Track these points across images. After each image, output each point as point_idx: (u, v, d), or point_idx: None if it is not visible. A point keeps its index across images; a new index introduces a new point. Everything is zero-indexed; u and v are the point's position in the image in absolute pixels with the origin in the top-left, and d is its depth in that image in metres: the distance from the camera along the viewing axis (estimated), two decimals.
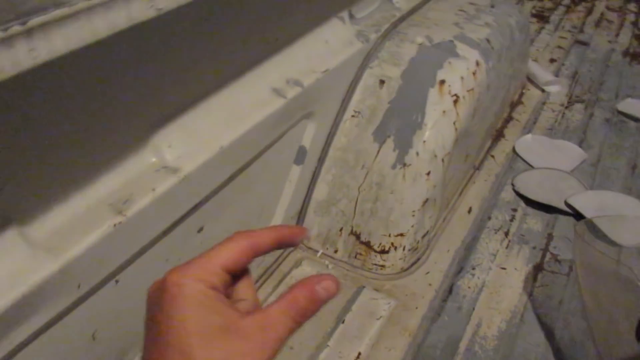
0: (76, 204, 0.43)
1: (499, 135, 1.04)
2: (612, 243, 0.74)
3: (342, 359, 0.63)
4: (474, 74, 0.78)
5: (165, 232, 0.51)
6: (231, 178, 0.59)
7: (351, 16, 0.77)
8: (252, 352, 0.26)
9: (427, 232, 0.78)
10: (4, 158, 0.36)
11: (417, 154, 0.73)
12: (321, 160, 0.76)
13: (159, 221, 0.49)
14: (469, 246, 0.80)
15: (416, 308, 0.70)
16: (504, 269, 0.77)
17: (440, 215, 0.82)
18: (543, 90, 1.20)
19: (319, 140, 0.74)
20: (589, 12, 1.59)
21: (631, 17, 1.58)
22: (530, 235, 0.83)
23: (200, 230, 0.57)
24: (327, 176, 0.76)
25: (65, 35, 0.29)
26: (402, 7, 0.86)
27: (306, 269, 0.74)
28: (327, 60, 0.70)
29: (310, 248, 0.77)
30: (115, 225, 0.44)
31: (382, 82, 0.76)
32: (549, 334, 0.68)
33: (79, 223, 0.43)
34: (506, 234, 0.83)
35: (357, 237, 0.75)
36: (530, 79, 1.22)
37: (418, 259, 0.77)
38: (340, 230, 0.76)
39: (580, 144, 1.03)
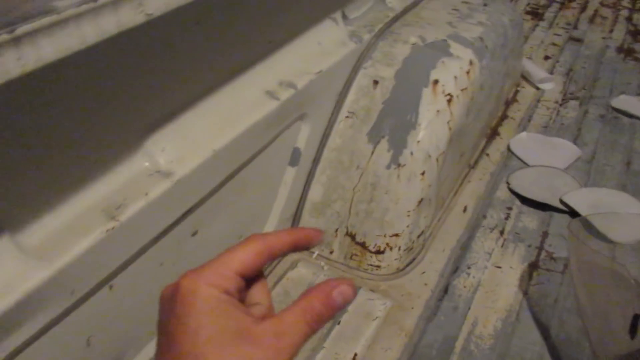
0: (69, 210, 0.43)
1: (493, 133, 1.05)
2: (607, 240, 0.74)
3: None
4: (467, 73, 0.79)
5: (159, 237, 0.51)
6: (225, 181, 0.59)
7: (344, 17, 0.77)
8: (266, 359, 0.26)
9: (423, 232, 0.78)
10: None
11: (412, 154, 0.73)
12: (316, 161, 0.76)
13: (153, 226, 0.49)
14: (465, 245, 0.80)
15: (412, 308, 0.70)
16: (499, 267, 0.77)
17: (436, 214, 0.82)
18: (538, 88, 1.20)
19: (313, 142, 0.74)
20: (583, 8, 1.60)
21: (625, 13, 1.59)
22: (526, 233, 0.83)
23: (194, 234, 0.57)
24: (322, 177, 0.76)
25: (53, 42, 0.29)
26: (395, 7, 0.87)
27: (302, 271, 0.75)
28: (321, 62, 0.70)
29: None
30: (108, 230, 0.44)
31: (375, 82, 0.76)
32: (545, 332, 0.68)
33: (71, 229, 0.43)
34: (501, 232, 0.83)
35: (353, 238, 0.75)
36: (525, 77, 1.22)
37: (414, 259, 0.77)
38: (336, 231, 0.76)
39: (574, 141, 1.03)
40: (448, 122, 0.75)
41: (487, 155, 0.99)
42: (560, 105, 1.15)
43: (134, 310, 0.52)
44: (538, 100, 1.16)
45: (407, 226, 0.74)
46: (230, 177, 0.59)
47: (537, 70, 1.23)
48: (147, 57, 0.45)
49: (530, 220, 0.86)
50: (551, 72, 1.25)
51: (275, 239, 0.30)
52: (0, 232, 0.39)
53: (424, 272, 0.76)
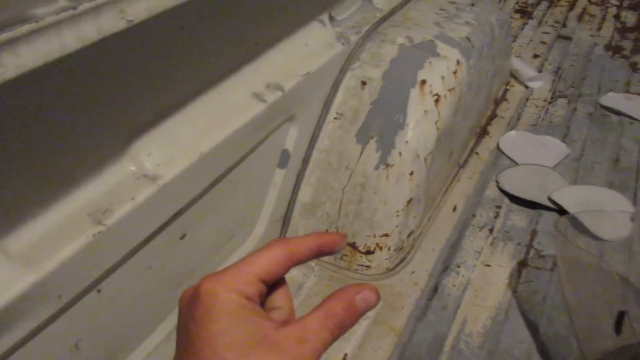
0: (55, 215, 0.44)
1: (483, 132, 1.05)
2: (594, 237, 0.75)
3: None
4: (454, 73, 0.79)
5: (147, 240, 0.51)
6: (213, 184, 0.59)
7: (331, 18, 0.78)
8: None
9: (412, 231, 0.78)
10: None
11: (400, 154, 0.74)
12: (305, 163, 0.76)
13: (140, 230, 0.49)
14: (454, 244, 0.81)
15: (402, 308, 0.71)
16: (488, 266, 0.78)
17: (425, 214, 0.83)
18: (527, 87, 1.21)
19: (302, 143, 0.75)
20: (572, 6, 1.61)
21: (613, 11, 1.60)
22: (515, 231, 0.83)
23: (182, 237, 0.57)
24: (311, 179, 0.77)
25: (33, 50, 0.30)
26: (382, 7, 0.87)
27: (292, 271, 0.74)
28: (308, 63, 0.70)
29: None
30: (95, 235, 0.44)
31: (363, 83, 0.77)
32: (534, 330, 0.69)
33: (58, 234, 0.43)
34: (491, 231, 0.83)
35: None
36: (514, 76, 1.23)
37: (403, 259, 0.78)
38: (326, 232, 0.77)
39: (563, 139, 1.04)
40: (436, 122, 0.76)
41: (477, 154, 0.99)
42: (549, 103, 1.16)
43: (123, 314, 0.52)
44: (527, 99, 1.17)
45: (397, 226, 0.75)
46: (219, 180, 0.60)
47: (526, 68, 1.23)
48: (131, 63, 0.45)
49: (519, 218, 0.86)
50: (540, 71, 1.26)
51: (298, 244, 0.29)
52: None
53: (413, 272, 0.76)
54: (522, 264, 0.78)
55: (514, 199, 0.89)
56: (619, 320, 0.53)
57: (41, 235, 0.42)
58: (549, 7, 1.58)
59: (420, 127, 0.74)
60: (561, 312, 0.70)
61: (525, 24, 1.49)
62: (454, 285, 0.74)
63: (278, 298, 0.30)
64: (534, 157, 0.98)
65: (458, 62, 0.80)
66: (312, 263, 0.76)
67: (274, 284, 0.29)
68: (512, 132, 1.04)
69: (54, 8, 0.30)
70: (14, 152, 0.39)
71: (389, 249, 0.75)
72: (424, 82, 0.76)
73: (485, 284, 0.75)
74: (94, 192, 0.46)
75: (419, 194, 0.76)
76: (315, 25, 0.74)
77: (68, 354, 0.47)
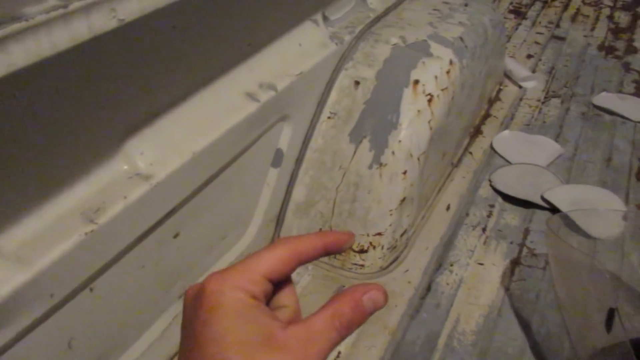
0: (47, 214, 0.44)
1: (476, 132, 1.06)
2: (586, 236, 0.75)
3: None
4: (447, 73, 0.79)
5: (140, 239, 0.51)
6: (206, 183, 0.59)
7: (325, 18, 0.78)
8: None
9: (406, 230, 0.78)
10: None
11: (393, 153, 0.74)
12: (298, 162, 0.77)
13: (133, 228, 0.50)
14: (448, 243, 0.81)
15: (396, 306, 0.71)
16: (481, 264, 0.78)
17: (419, 213, 0.83)
18: (520, 87, 1.21)
19: (295, 143, 0.75)
20: (566, 7, 1.61)
21: (607, 11, 1.61)
22: (508, 230, 0.84)
23: (176, 236, 0.57)
24: (305, 178, 0.77)
25: (24, 49, 0.30)
26: (376, 8, 0.87)
27: None
28: (301, 63, 0.70)
29: None
30: (87, 233, 0.44)
31: (357, 83, 0.77)
32: (526, 328, 0.69)
33: (49, 232, 0.43)
34: (484, 229, 0.84)
35: None
36: (508, 76, 1.24)
37: (397, 258, 0.78)
38: (320, 231, 0.77)
39: (556, 139, 1.04)
40: (429, 122, 0.76)
41: (471, 153, 1.00)
42: (543, 103, 1.16)
43: (116, 313, 0.53)
44: (521, 99, 1.17)
45: (390, 225, 0.75)
46: (212, 179, 0.60)
47: (519, 68, 1.24)
48: (124, 62, 0.45)
49: (512, 217, 0.87)
50: (534, 71, 1.27)
51: (305, 243, 0.29)
52: None
53: (407, 270, 0.76)
54: (515, 263, 0.78)
55: (507, 198, 0.90)
56: (610, 318, 0.54)
57: (33, 234, 0.43)
58: (542, 8, 1.59)
59: (413, 127, 0.75)
60: (554, 310, 0.70)
61: (519, 24, 1.49)
62: (448, 284, 0.75)
63: (284, 297, 0.29)
64: (527, 156, 0.98)
65: (451, 62, 0.80)
66: None
67: (279, 282, 0.29)
68: (506, 132, 1.05)
69: (45, 7, 0.30)
70: (5, 151, 0.39)
71: (382, 247, 0.76)
72: (417, 82, 0.76)
73: (479, 282, 0.75)
74: (86, 190, 0.46)
75: (413, 193, 0.77)
76: (308, 25, 0.74)
77: (61, 353, 0.47)
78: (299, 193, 0.77)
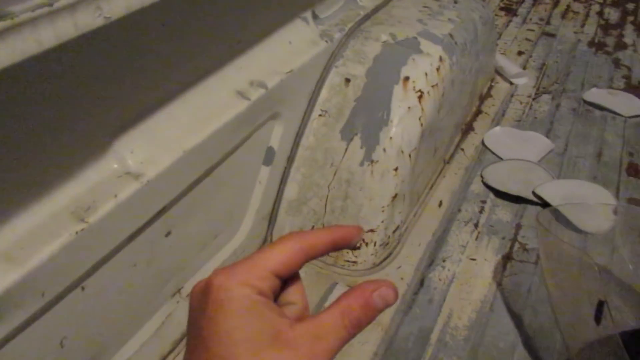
0: (37, 213, 0.44)
1: (468, 128, 1.06)
2: (577, 230, 0.76)
3: None
4: (437, 69, 0.80)
5: (131, 238, 0.51)
6: (197, 181, 0.59)
7: (315, 16, 0.78)
8: None
9: (398, 227, 0.79)
10: None
11: (384, 150, 0.74)
12: (290, 160, 0.77)
13: (123, 227, 0.50)
14: (440, 239, 0.82)
15: None
16: (473, 260, 0.78)
17: (411, 210, 0.83)
18: (511, 83, 1.22)
19: (287, 141, 0.75)
20: (556, 3, 1.62)
21: (597, 8, 1.61)
22: (500, 226, 0.84)
23: (168, 234, 0.57)
24: (297, 176, 0.77)
25: (9, 47, 0.30)
26: (366, 5, 0.87)
27: None
28: (291, 61, 0.70)
29: None
30: (77, 232, 0.44)
31: (347, 80, 0.77)
32: (518, 322, 0.70)
33: (40, 231, 0.43)
34: (476, 225, 0.84)
35: None
36: (499, 72, 1.24)
37: (390, 254, 0.78)
38: (312, 228, 0.77)
39: (547, 135, 1.05)
40: (419, 118, 0.77)
41: (462, 150, 1.00)
42: (534, 99, 1.17)
43: (109, 312, 0.53)
44: (512, 95, 1.18)
45: (382, 222, 0.75)
46: (203, 177, 0.60)
47: (510, 65, 1.25)
48: (113, 60, 0.45)
49: (504, 213, 0.87)
50: (524, 67, 1.28)
51: (313, 238, 0.28)
52: None
53: (399, 267, 0.77)
54: (506, 258, 0.79)
55: (499, 194, 0.90)
56: (599, 310, 0.54)
57: (23, 233, 0.42)
58: (533, 5, 1.60)
59: (404, 123, 0.75)
60: (545, 304, 0.71)
61: (510, 21, 1.50)
62: (440, 280, 0.75)
63: (292, 293, 0.29)
64: (518, 152, 0.99)
65: (441, 59, 0.81)
66: None
67: (287, 278, 0.28)
68: (497, 128, 1.05)
69: (30, 5, 0.30)
70: None
71: (375, 244, 0.76)
72: (407, 78, 0.76)
73: (471, 277, 0.76)
74: (76, 189, 0.46)
75: (404, 189, 0.77)
76: (298, 23, 0.74)
77: (53, 352, 0.47)
78: (291, 191, 0.77)
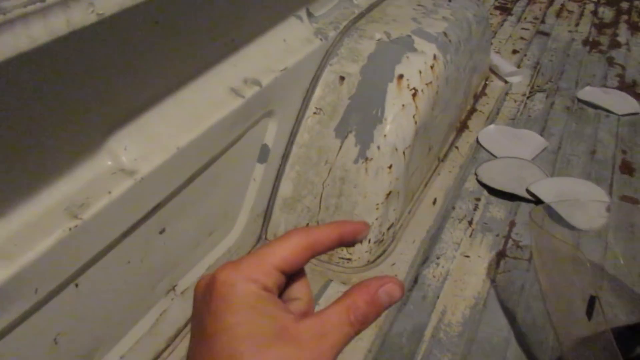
0: (30, 209, 0.44)
1: (463, 126, 1.06)
2: (570, 227, 0.76)
3: None
4: (431, 67, 0.80)
5: (125, 235, 0.51)
6: (191, 179, 0.59)
7: (309, 14, 0.78)
8: None
9: (392, 224, 0.79)
10: None
11: (379, 148, 0.75)
12: (285, 157, 0.77)
13: (117, 224, 0.50)
14: (434, 236, 0.82)
15: None
16: (467, 257, 0.79)
17: (405, 207, 0.84)
18: (506, 81, 1.22)
19: (281, 138, 0.75)
20: (551, 2, 1.63)
21: (591, 7, 1.62)
22: (493, 223, 0.85)
23: (162, 231, 0.57)
24: (292, 173, 0.77)
25: (1, 43, 0.30)
26: (360, 3, 0.88)
27: None
28: (286, 59, 0.70)
29: None
30: (71, 229, 0.44)
31: (342, 78, 0.78)
32: (511, 318, 0.70)
33: (33, 228, 0.43)
34: (470, 222, 0.85)
35: None
36: (493, 71, 1.25)
37: (384, 251, 0.79)
38: (307, 226, 0.77)
39: (541, 133, 1.06)
40: (414, 116, 0.77)
41: (457, 148, 1.01)
42: (528, 97, 1.17)
43: (102, 309, 0.53)
44: (506, 94, 1.18)
45: (377, 219, 0.76)
46: (197, 174, 0.60)
47: (505, 64, 1.25)
48: (107, 57, 0.45)
49: (498, 210, 0.87)
50: (519, 66, 1.28)
51: (319, 233, 0.28)
52: None
53: (394, 264, 0.77)
54: (500, 255, 0.79)
55: (493, 192, 0.90)
56: (590, 305, 0.54)
57: (16, 229, 0.43)
58: (528, 4, 1.61)
59: (398, 121, 0.75)
60: (538, 301, 0.71)
61: (505, 20, 1.51)
62: (434, 276, 0.75)
63: (297, 289, 0.28)
64: (512, 150, 0.99)
65: (435, 57, 0.81)
66: None
67: (292, 274, 0.28)
68: (491, 126, 1.06)
69: (22, 1, 0.30)
70: None
71: (369, 241, 0.76)
72: (401, 76, 0.77)
73: (465, 274, 0.76)
74: (70, 186, 0.46)
75: (398, 187, 0.77)
76: (293, 21, 0.75)
77: (47, 349, 0.47)
78: (285, 188, 0.77)
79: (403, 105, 0.76)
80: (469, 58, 0.96)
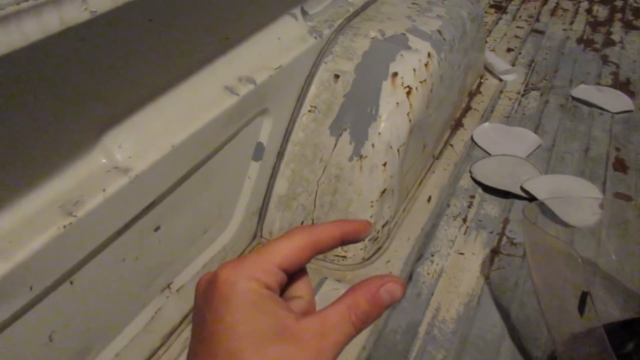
0: (24, 206, 0.44)
1: (457, 124, 1.07)
2: (563, 224, 0.77)
3: None
4: (426, 65, 0.80)
5: (120, 232, 0.52)
6: (186, 176, 0.59)
7: (304, 13, 0.79)
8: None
9: (387, 221, 0.79)
10: None
11: (373, 145, 0.75)
12: (280, 155, 0.77)
13: (112, 221, 0.50)
14: (429, 234, 0.82)
15: None
16: (462, 254, 0.79)
17: (400, 205, 0.84)
18: (500, 80, 1.23)
19: (276, 136, 0.75)
20: (545, 1, 1.64)
21: (585, 5, 1.63)
22: (488, 220, 0.85)
23: (157, 229, 0.58)
24: (287, 171, 0.77)
25: None
26: (355, 2, 0.88)
27: None
28: (280, 57, 0.71)
29: None
30: (65, 226, 0.45)
31: (336, 76, 0.78)
32: (505, 315, 0.71)
33: (27, 225, 0.43)
34: (464, 220, 0.85)
35: None
36: (488, 69, 1.25)
37: (379, 249, 0.79)
38: (302, 223, 0.78)
39: (535, 130, 1.06)
40: (408, 114, 0.77)
41: (451, 146, 1.01)
42: (522, 95, 1.18)
43: (97, 306, 0.53)
44: (501, 92, 1.19)
45: (371, 216, 0.76)
46: (192, 172, 0.60)
47: (499, 62, 1.25)
48: (100, 54, 0.46)
49: (492, 207, 0.88)
50: (514, 64, 1.29)
51: (321, 231, 0.28)
52: None
53: (389, 261, 0.77)
54: (494, 252, 0.80)
55: (487, 189, 0.91)
56: (582, 301, 0.55)
57: (11, 226, 0.43)
58: (522, 2, 1.61)
59: (392, 119, 0.76)
60: (532, 297, 0.72)
61: (500, 18, 1.51)
62: (428, 274, 0.76)
63: (298, 288, 0.28)
64: (507, 148, 1.00)
65: (429, 55, 0.81)
66: None
67: (294, 273, 0.28)
68: (486, 124, 1.06)
69: None
70: None
71: (364, 239, 0.76)
72: (395, 74, 0.77)
73: (459, 271, 0.76)
74: (64, 184, 0.47)
75: (393, 184, 0.78)
76: (287, 20, 0.75)
77: (42, 346, 0.47)
78: (280, 186, 0.78)
79: (397, 103, 0.76)
80: (464, 56, 0.96)
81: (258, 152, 0.73)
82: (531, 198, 0.89)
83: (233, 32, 0.64)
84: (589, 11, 1.59)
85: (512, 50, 1.35)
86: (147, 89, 0.54)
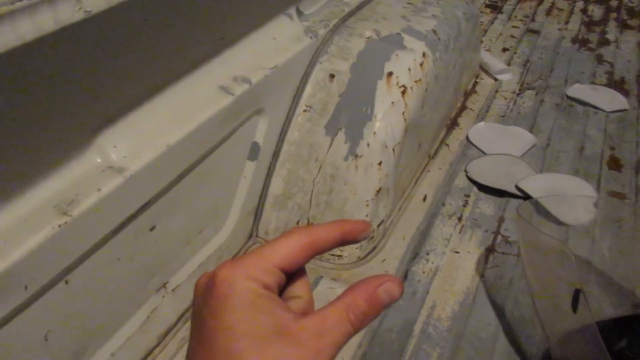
0: (20, 206, 0.44)
1: (453, 124, 1.07)
2: (558, 223, 0.77)
3: None
4: (421, 65, 0.81)
5: (115, 232, 0.52)
6: (182, 176, 0.60)
7: (299, 13, 0.79)
8: (305, 359, 0.24)
9: (383, 221, 0.80)
10: None
11: (368, 145, 0.75)
12: (275, 155, 0.77)
13: (107, 221, 0.50)
14: (424, 232, 0.83)
15: None
16: (457, 252, 0.79)
17: (396, 204, 0.84)
18: (496, 79, 1.23)
19: (272, 136, 0.75)
20: (541, 1, 1.64)
21: (580, 5, 1.63)
22: (483, 219, 0.86)
23: (152, 229, 0.58)
24: (282, 171, 0.78)
25: None
26: (350, 1, 0.88)
27: None
28: (276, 57, 0.71)
29: None
30: (60, 226, 0.45)
31: (332, 76, 0.78)
32: (500, 313, 0.71)
33: (22, 225, 0.43)
34: (459, 219, 0.85)
35: None
36: (484, 69, 1.25)
37: (374, 248, 0.79)
38: (298, 223, 0.78)
39: (530, 129, 1.06)
40: (403, 113, 0.77)
41: (447, 145, 1.01)
42: (517, 95, 1.18)
43: (93, 306, 0.53)
44: (496, 91, 1.19)
45: (367, 216, 0.76)
46: (187, 172, 0.60)
47: (495, 61, 1.26)
48: (95, 54, 0.46)
49: (487, 206, 0.88)
50: (509, 64, 1.29)
51: (320, 232, 0.28)
52: None
53: (384, 260, 0.78)
54: (489, 250, 0.80)
55: (483, 188, 0.91)
56: (575, 299, 0.55)
57: (5, 226, 0.43)
58: (518, 2, 1.62)
59: (387, 118, 0.76)
60: (527, 295, 0.72)
61: (495, 18, 1.52)
62: (424, 272, 0.76)
63: (297, 287, 0.29)
64: (502, 147, 1.00)
65: (424, 55, 0.82)
66: None
67: (293, 273, 0.28)
68: (481, 123, 1.06)
69: None
70: None
71: None
72: (390, 74, 0.77)
73: (454, 269, 0.77)
74: (59, 183, 0.47)
75: (388, 183, 0.78)
76: (283, 19, 0.75)
77: (37, 346, 0.47)
78: (276, 186, 0.78)
79: (392, 102, 0.77)
80: (459, 56, 0.97)
81: (253, 152, 0.73)
82: (526, 197, 0.89)
83: (228, 31, 0.65)
84: (584, 11, 1.59)
85: (508, 49, 1.36)
86: (142, 88, 0.54)
